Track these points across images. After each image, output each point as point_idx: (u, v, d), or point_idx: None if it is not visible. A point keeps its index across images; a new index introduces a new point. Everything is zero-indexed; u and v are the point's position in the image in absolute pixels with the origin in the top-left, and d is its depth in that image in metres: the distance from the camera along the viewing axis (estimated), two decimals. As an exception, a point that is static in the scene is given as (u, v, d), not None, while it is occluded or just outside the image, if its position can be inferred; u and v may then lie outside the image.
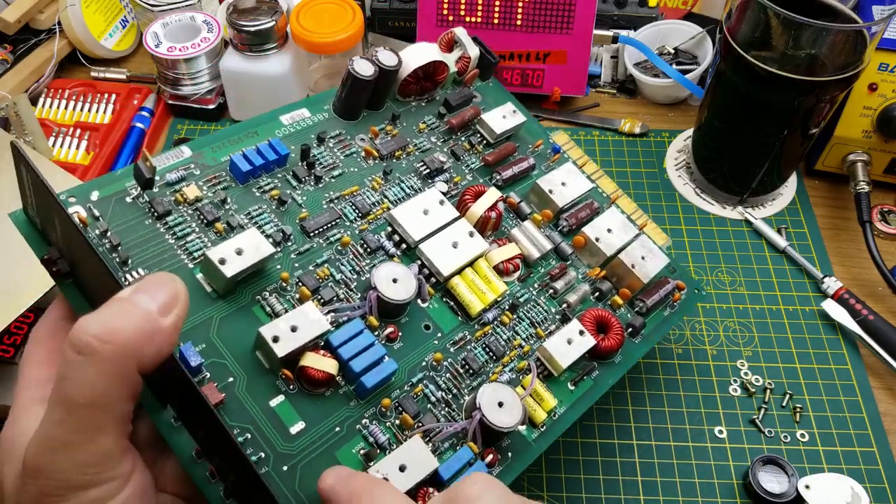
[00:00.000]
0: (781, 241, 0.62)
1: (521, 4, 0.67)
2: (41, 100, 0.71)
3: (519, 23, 0.68)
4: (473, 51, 0.49)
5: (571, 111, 0.73)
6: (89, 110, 0.70)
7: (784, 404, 0.53)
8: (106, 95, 0.71)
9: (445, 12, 0.68)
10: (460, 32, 0.49)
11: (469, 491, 0.28)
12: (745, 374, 0.55)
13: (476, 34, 0.68)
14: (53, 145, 0.66)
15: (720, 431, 0.52)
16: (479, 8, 0.67)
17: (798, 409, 0.52)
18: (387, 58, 0.45)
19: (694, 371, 0.55)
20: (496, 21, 0.68)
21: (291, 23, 0.65)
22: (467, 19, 0.68)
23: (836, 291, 0.58)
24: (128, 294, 0.27)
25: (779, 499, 0.47)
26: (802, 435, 0.52)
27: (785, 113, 0.57)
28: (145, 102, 0.70)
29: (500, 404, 0.36)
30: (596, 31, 0.69)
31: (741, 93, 0.58)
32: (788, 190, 0.66)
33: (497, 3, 0.67)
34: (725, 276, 0.61)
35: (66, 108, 0.70)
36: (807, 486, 0.47)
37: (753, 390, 0.54)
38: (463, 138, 0.49)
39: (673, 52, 0.73)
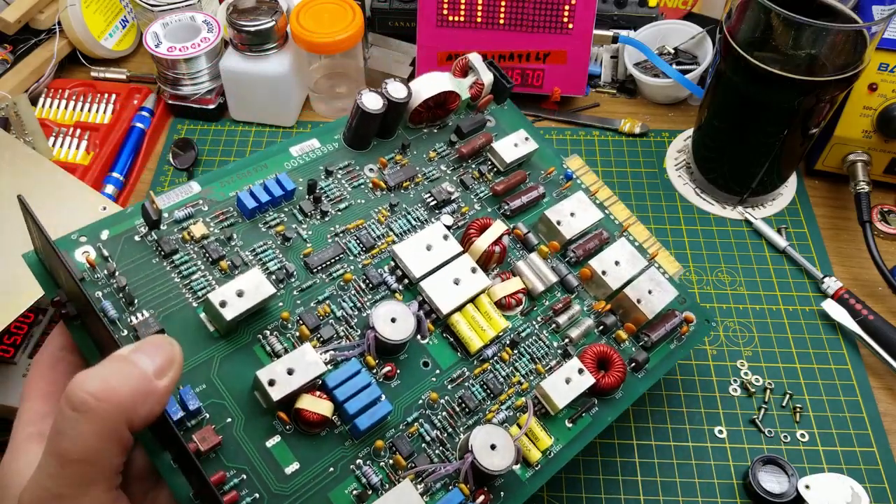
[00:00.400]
0: (781, 241, 0.62)
1: (521, 4, 0.67)
2: (41, 100, 0.71)
3: (519, 22, 0.68)
4: (487, 76, 0.49)
5: (571, 111, 0.73)
6: (89, 110, 0.70)
7: (784, 404, 0.53)
8: (106, 95, 0.71)
9: (446, 12, 0.68)
10: (474, 58, 0.49)
11: None
12: (745, 374, 0.55)
13: (475, 34, 0.68)
14: (53, 145, 0.67)
15: (720, 431, 0.52)
16: (479, 8, 0.67)
17: (798, 409, 0.52)
18: (396, 90, 0.44)
19: (694, 371, 0.55)
20: (496, 21, 0.68)
21: (291, 23, 0.65)
22: (466, 20, 0.68)
23: (836, 291, 0.58)
24: (127, 353, 0.28)
25: (779, 499, 0.47)
26: (802, 435, 0.52)
27: (785, 113, 0.57)
28: (145, 102, 0.70)
29: (493, 447, 0.36)
30: (596, 31, 0.69)
31: (741, 93, 0.58)
32: (788, 190, 0.66)
33: (497, 2, 0.67)
34: (725, 276, 0.61)
35: (66, 108, 0.70)
36: (807, 486, 0.47)
37: (753, 390, 0.54)
38: (473, 166, 0.48)
39: (673, 52, 0.73)
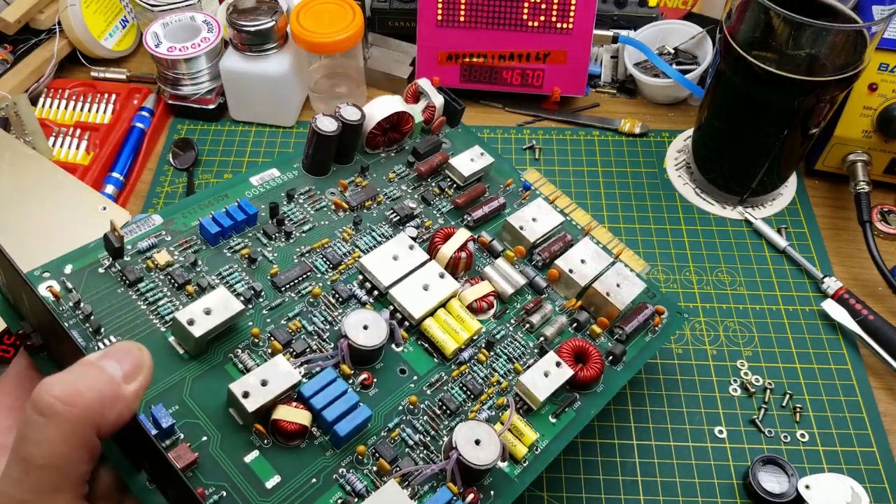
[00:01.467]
0: (781, 241, 0.62)
1: (520, 4, 0.67)
2: (41, 100, 0.71)
3: (519, 23, 0.68)
4: (438, 100, 0.51)
5: (571, 111, 0.73)
6: (89, 110, 0.70)
7: (784, 404, 0.53)
8: (106, 95, 0.71)
9: (446, 12, 0.68)
10: (423, 83, 0.51)
11: None
12: (745, 374, 0.55)
13: (475, 34, 0.68)
14: (53, 145, 0.67)
15: (720, 431, 0.52)
16: (479, 8, 0.67)
17: (798, 409, 0.52)
18: (350, 113, 0.46)
19: (694, 371, 0.55)
20: (496, 21, 0.68)
21: (291, 23, 0.65)
22: (466, 20, 0.68)
23: (836, 291, 0.58)
24: (95, 359, 0.27)
25: (779, 499, 0.47)
26: (802, 435, 0.52)
27: (785, 113, 0.57)
28: (145, 102, 0.70)
29: (478, 442, 0.36)
30: (596, 31, 0.69)
31: (741, 93, 0.58)
32: (788, 190, 0.66)
33: (497, 2, 0.67)
34: (725, 276, 0.61)
35: (66, 108, 0.70)
36: (807, 486, 0.47)
37: (753, 390, 0.54)
38: (433, 184, 0.49)
39: (673, 52, 0.73)
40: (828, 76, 0.53)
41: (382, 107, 0.48)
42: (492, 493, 0.37)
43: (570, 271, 0.46)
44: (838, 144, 0.63)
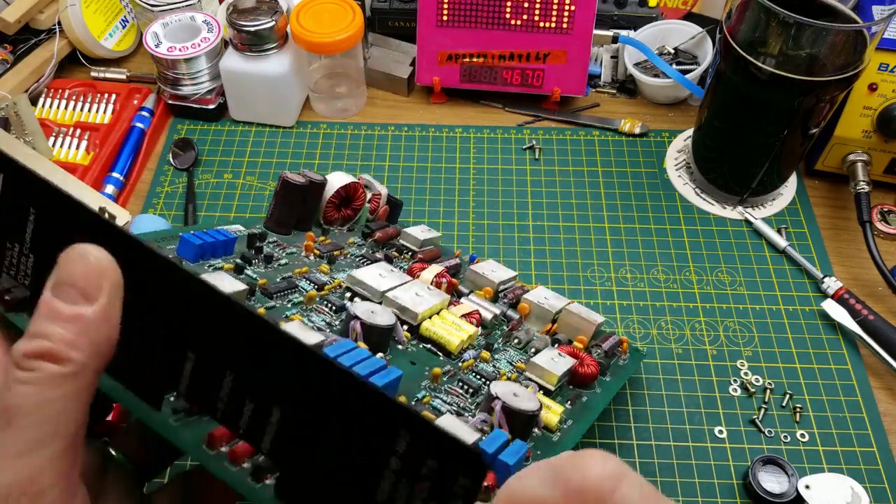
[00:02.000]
0: (781, 241, 0.62)
1: (520, 4, 0.67)
2: (41, 100, 0.71)
3: (519, 23, 0.68)
4: (383, 190, 0.56)
5: (571, 111, 0.73)
6: (89, 110, 0.70)
7: (784, 404, 0.53)
8: (106, 95, 0.71)
9: (446, 12, 0.68)
10: (367, 177, 0.56)
11: (600, 482, 0.20)
12: (745, 374, 0.55)
13: (475, 34, 0.69)
14: (53, 145, 0.67)
15: (720, 431, 0.52)
16: (479, 8, 0.67)
17: (798, 409, 0.52)
18: (314, 176, 0.50)
19: (694, 371, 0.55)
20: (496, 21, 0.68)
21: (291, 23, 0.65)
22: (466, 20, 0.68)
23: (836, 291, 0.58)
24: (49, 296, 0.24)
25: (779, 499, 0.47)
26: (802, 435, 0.52)
27: (785, 113, 0.57)
28: (145, 102, 0.70)
29: (516, 395, 0.36)
30: (596, 31, 0.69)
31: (741, 93, 0.58)
32: (788, 190, 0.66)
33: (496, 3, 0.67)
34: (725, 276, 0.61)
35: (66, 108, 0.70)
36: (807, 486, 0.47)
37: (753, 390, 0.54)
38: (391, 251, 0.52)
39: (673, 52, 0.73)
40: (828, 76, 0.53)
41: (341, 177, 0.52)
42: (539, 452, 0.37)
43: (539, 303, 0.49)
44: (838, 144, 0.63)
